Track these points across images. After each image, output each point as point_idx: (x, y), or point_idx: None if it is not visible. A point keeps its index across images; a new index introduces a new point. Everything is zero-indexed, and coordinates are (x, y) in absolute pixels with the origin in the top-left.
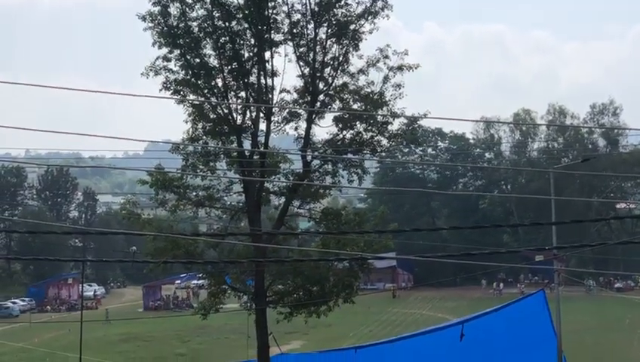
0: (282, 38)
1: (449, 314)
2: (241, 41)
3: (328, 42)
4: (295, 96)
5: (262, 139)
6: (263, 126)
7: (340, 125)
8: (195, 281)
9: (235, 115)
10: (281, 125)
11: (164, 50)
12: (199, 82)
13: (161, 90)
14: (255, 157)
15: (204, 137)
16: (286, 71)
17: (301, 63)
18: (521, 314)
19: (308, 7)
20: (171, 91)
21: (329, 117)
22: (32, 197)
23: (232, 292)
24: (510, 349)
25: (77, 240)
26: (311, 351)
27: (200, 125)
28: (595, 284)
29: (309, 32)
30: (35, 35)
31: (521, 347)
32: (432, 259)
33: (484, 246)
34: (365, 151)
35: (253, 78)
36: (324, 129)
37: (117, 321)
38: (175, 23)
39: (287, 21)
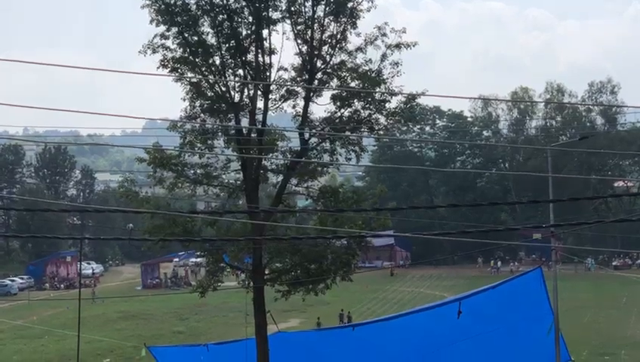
0: (280, 15)
1: (446, 292)
2: (239, 19)
3: (326, 20)
4: (293, 74)
5: (260, 117)
6: (260, 104)
7: (338, 103)
8: (193, 259)
9: (232, 92)
10: (279, 103)
11: (162, 28)
12: (197, 60)
13: (158, 67)
14: (253, 135)
15: (202, 115)
16: (284, 49)
17: (299, 41)
18: (519, 291)
19: None
20: (169, 69)
21: (327, 95)
22: (30, 175)
23: (230, 270)
24: (507, 326)
25: (75, 218)
26: (309, 328)
27: (198, 103)
28: (594, 262)
29: (306, 9)
30: (37, 10)
31: (519, 323)
32: (430, 236)
33: (481, 224)
34: (363, 129)
35: (250, 56)
36: (322, 107)
37: (117, 299)
38: (172, 1)
39: None
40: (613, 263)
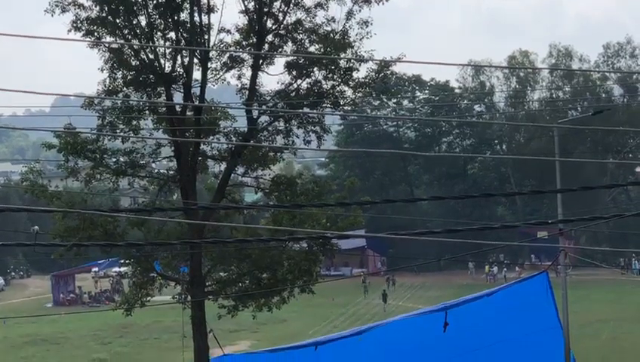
0: None
1: (432, 304)
2: None
3: None
4: (237, 36)
5: (197, 90)
6: (197, 74)
7: (294, 72)
8: (117, 269)
9: (162, 61)
10: (221, 73)
11: None
12: (117, 21)
13: (70, 31)
14: (189, 113)
15: (125, 89)
16: (226, 5)
17: None
18: (520, 300)
19: None
20: (83, 32)
21: (280, 62)
22: None
23: (163, 281)
24: (505, 342)
25: None
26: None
27: (119, 74)
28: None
29: None
30: None
31: (519, 340)
32: (410, 237)
33: (473, 221)
34: (325, 105)
35: (184, 15)
36: (274, 77)
37: (22, 320)
38: None
39: None
40: (638, 267)
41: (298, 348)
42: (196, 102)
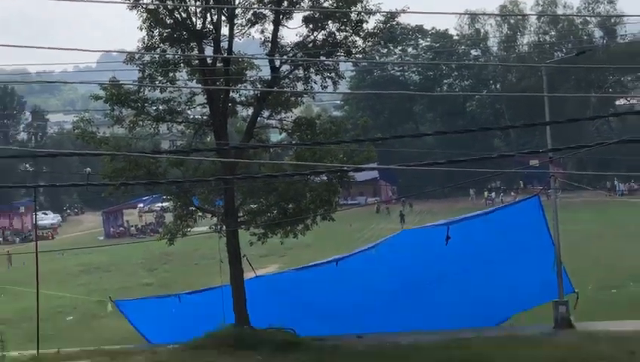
0: None
1: None
2: None
3: None
4: None
5: (225, 44)
6: (225, 30)
7: (311, 26)
8: (160, 204)
9: (194, 19)
10: (246, 28)
11: None
12: None
13: None
14: (218, 64)
15: (162, 45)
16: None
17: None
18: (514, 220)
19: None
20: None
21: (298, 17)
22: None
23: (201, 213)
24: (502, 255)
25: (27, 165)
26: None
27: (156, 32)
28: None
29: None
30: None
31: (515, 253)
32: (416, 167)
33: (473, 152)
34: (339, 53)
35: None
36: (293, 31)
37: (77, 251)
38: None
39: None
40: (620, 188)
41: (321, 265)
42: (225, 55)
